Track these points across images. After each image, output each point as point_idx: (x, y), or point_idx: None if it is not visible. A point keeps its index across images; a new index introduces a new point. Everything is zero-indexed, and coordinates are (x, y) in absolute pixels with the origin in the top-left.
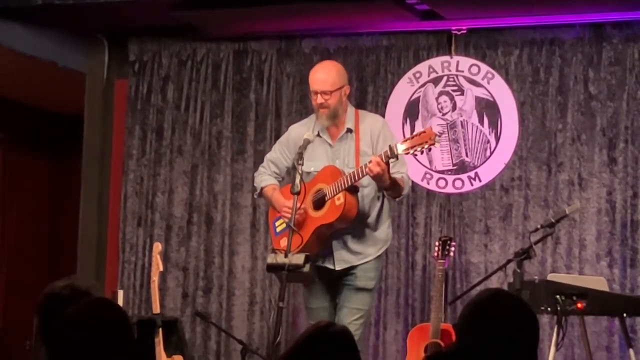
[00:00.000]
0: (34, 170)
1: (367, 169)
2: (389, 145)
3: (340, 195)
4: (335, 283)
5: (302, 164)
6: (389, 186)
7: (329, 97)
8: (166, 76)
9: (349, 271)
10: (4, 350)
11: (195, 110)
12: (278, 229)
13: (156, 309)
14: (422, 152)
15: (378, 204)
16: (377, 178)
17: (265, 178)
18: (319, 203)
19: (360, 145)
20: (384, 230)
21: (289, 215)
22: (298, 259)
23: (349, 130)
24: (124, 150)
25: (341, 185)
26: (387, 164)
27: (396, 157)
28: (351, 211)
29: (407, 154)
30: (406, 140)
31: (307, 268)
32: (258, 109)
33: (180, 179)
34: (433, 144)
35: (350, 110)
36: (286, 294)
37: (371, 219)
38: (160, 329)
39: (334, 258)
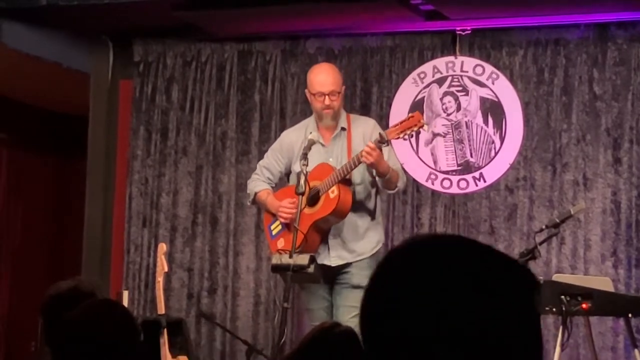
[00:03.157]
0: (38, 171)
1: (362, 158)
2: (379, 133)
3: (334, 188)
4: (331, 281)
5: (307, 164)
6: (385, 172)
7: (336, 98)
8: (171, 77)
9: (344, 269)
10: (9, 351)
11: (200, 110)
12: (274, 232)
13: (161, 309)
14: (411, 136)
15: (372, 202)
16: (373, 165)
17: (259, 184)
18: (313, 199)
19: (352, 144)
20: (378, 228)
21: (285, 215)
22: (303, 259)
23: (342, 129)
24: (128, 151)
25: (334, 178)
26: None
27: (387, 142)
28: (346, 204)
29: (397, 138)
30: (395, 126)
31: (312, 268)
32: (263, 110)
33: (185, 179)
34: (422, 127)
35: (342, 112)
36: (291, 295)
37: (365, 217)
38: (165, 330)
39: (330, 255)
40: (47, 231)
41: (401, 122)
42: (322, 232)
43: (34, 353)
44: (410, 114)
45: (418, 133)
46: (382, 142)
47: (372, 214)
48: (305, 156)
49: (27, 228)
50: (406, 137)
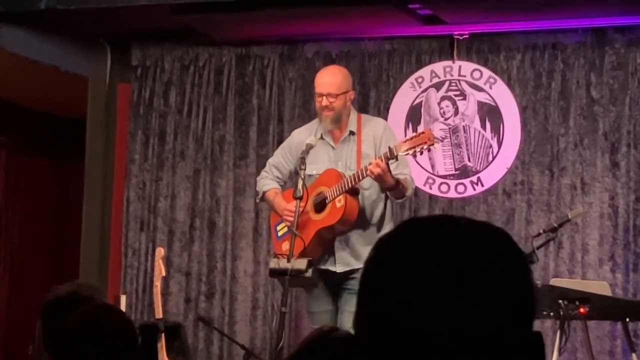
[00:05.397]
0: (36, 175)
1: (367, 171)
2: (389, 147)
3: (341, 197)
4: (336, 287)
5: (305, 169)
6: (391, 187)
7: (335, 100)
8: (169, 81)
9: (350, 275)
10: (8, 354)
11: (198, 114)
12: (279, 233)
13: (159, 314)
14: (421, 153)
15: (381, 206)
16: (378, 179)
17: (268, 182)
18: (320, 206)
19: (362, 148)
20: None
21: (291, 219)
22: (300, 263)
23: (352, 133)
24: (126, 155)
25: (342, 187)
26: (387, 165)
27: (395, 158)
28: (352, 213)
29: (406, 155)
30: (405, 142)
31: (309, 273)
32: (260, 114)
33: (183, 183)
34: (432, 145)
35: (353, 114)
36: (289, 299)
37: (374, 221)
38: (163, 334)
39: (336, 260)
40: (45, 234)
41: (411, 138)
42: (327, 239)
43: (31, 356)
44: (421, 131)
45: (428, 150)
46: (390, 157)
47: (381, 219)
48: (303, 160)
49: (27, 231)
50: (417, 153)
